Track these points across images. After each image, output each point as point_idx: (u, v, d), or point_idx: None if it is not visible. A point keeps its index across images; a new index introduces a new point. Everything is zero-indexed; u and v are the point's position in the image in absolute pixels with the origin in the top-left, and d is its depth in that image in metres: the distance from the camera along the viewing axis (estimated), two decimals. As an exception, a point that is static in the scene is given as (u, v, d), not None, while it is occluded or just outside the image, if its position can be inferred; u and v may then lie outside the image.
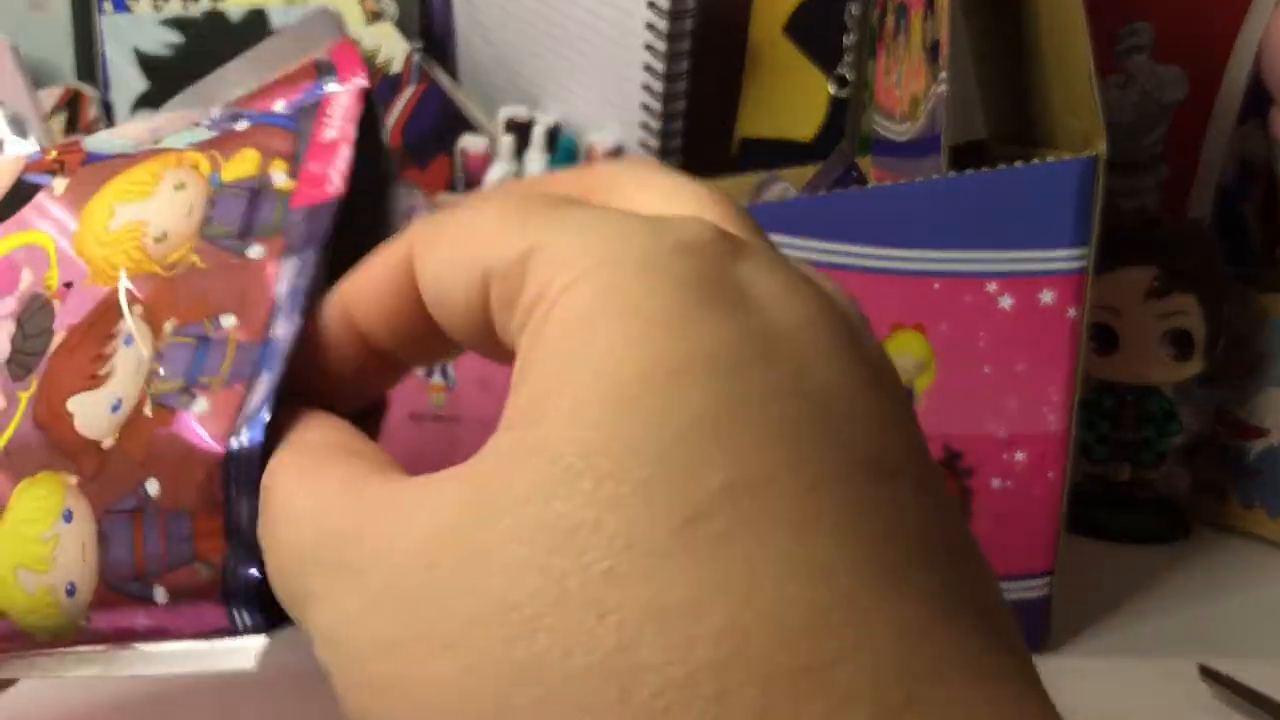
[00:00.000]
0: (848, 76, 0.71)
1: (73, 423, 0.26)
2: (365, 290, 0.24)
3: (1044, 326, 0.48)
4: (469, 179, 0.71)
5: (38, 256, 0.29)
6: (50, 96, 0.70)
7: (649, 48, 0.66)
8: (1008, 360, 0.48)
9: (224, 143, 0.30)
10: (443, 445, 0.50)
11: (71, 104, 0.71)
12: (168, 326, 0.26)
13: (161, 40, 0.70)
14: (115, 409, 0.26)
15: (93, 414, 0.26)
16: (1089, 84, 0.47)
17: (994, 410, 0.49)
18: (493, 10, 0.71)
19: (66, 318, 0.28)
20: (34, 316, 0.28)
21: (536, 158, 0.69)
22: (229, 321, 0.26)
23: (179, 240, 0.28)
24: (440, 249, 0.23)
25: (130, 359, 0.26)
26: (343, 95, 0.32)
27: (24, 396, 0.27)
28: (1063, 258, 0.47)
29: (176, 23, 0.70)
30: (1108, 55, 0.69)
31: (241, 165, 0.29)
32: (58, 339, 0.28)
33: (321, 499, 0.21)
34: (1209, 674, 0.48)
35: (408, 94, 0.71)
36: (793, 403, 0.18)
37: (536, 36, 0.70)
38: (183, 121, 0.32)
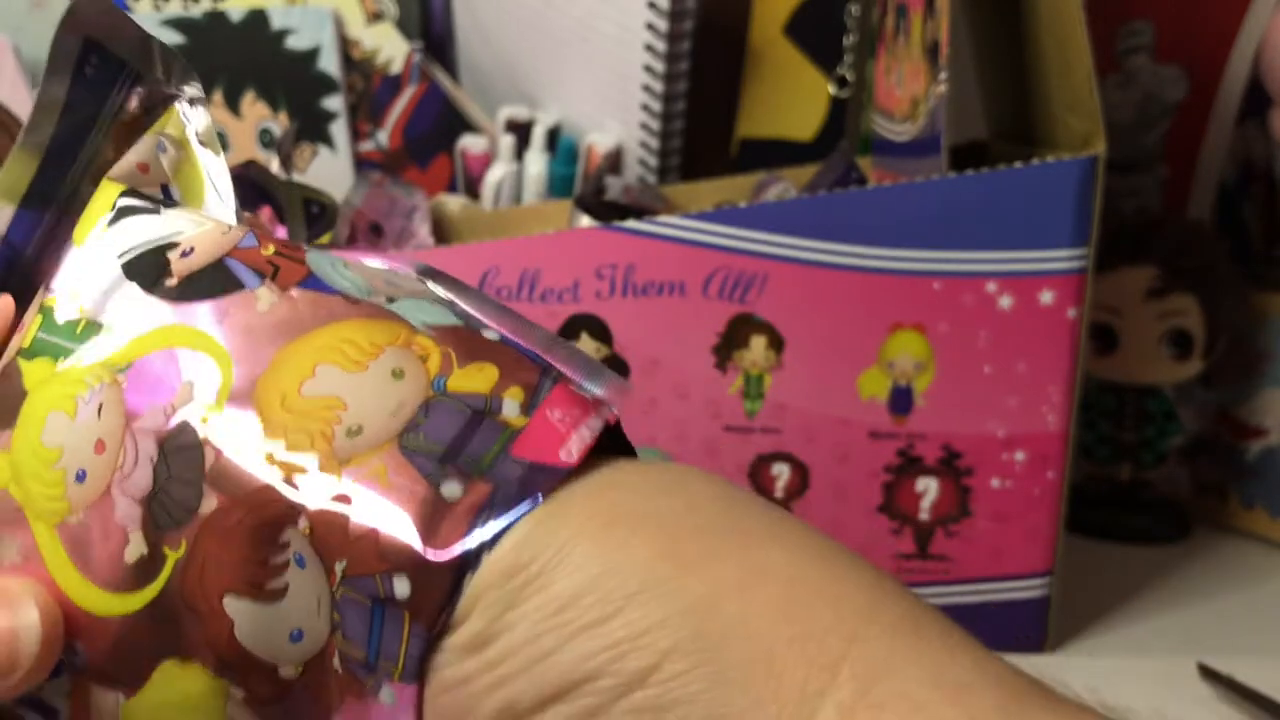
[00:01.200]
0: (848, 77, 0.71)
1: (233, 629, 0.22)
2: None
3: (1044, 326, 0.48)
4: (469, 179, 0.71)
5: (205, 372, 0.24)
6: (51, 97, 0.70)
7: (649, 48, 0.66)
8: (1007, 360, 0.48)
9: (465, 341, 0.24)
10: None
11: (72, 104, 0.71)
12: (338, 567, 0.22)
13: (162, 40, 0.70)
14: (296, 639, 0.22)
15: (263, 632, 0.22)
16: (1089, 84, 0.47)
17: (994, 410, 0.49)
18: (493, 11, 0.71)
19: (222, 482, 0.23)
20: (182, 454, 0.23)
21: (536, 158, 0.69)
22: (403, 590, 0.22)
23: (374, 440, 0.23)
24: None
25: (308, 587, 0.22)
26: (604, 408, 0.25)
27: (171, 556, 0.23)
28: (1062, 258, 0.47)
29: (177, 23, 0.70)
30: (1108, 55, 0.69)
31: (475, 378, 0.24)
32: (210, 502, 0.23)
33: None
34: (1208, 673, 0.48)
35: (408, 94, 0.71)
36: None
37: (536, 37, 0.70)
38: (422, 287, 0.26)
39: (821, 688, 0.19)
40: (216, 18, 0.70)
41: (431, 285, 0.26)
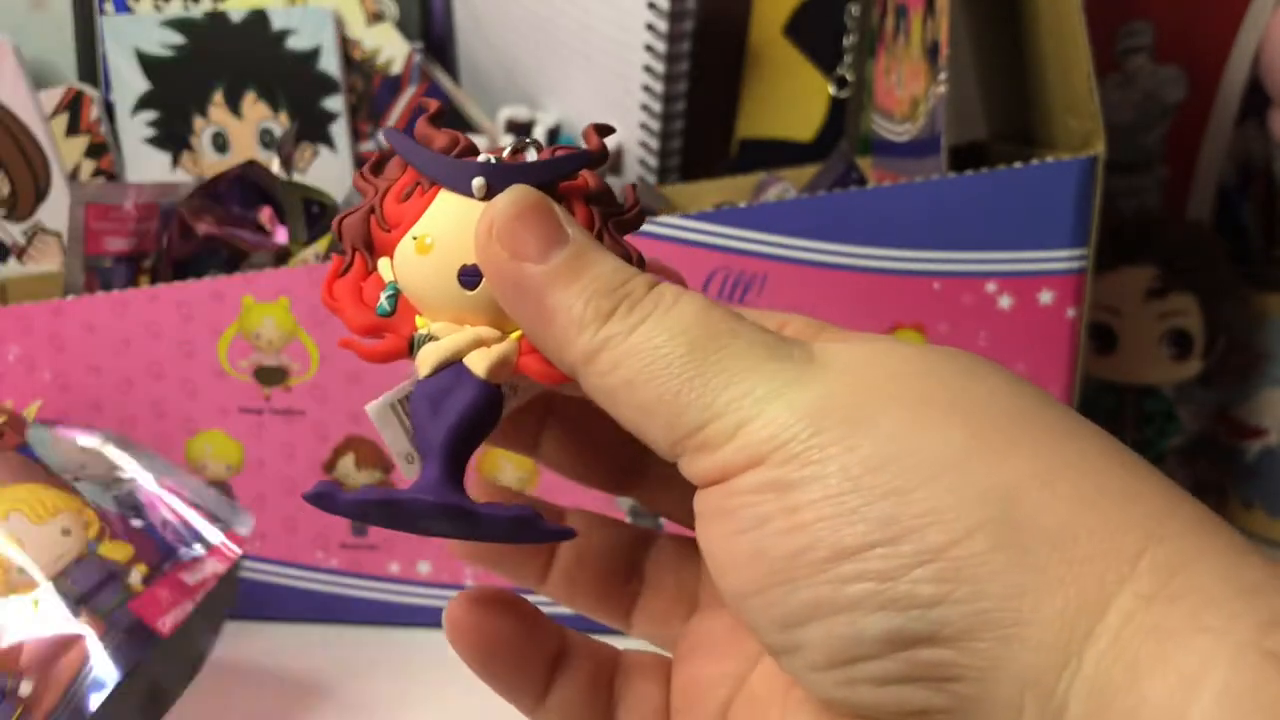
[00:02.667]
0: (847, 77, 0.71)
1: None
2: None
3: (1043, 326, 0.48)
4: (469, 179, 0.71)
5: None
6: (52, 97, 0.70)
7: (649, 48, 0.66)
8: (1007, 360, 0.48)
9: (118, 522, 0.37)
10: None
11: (73, 104, 0.71)
12: None
13: (163, 41, 0.70)
14: None
15: None
16: (1088, 84, 0.47)
17: (994, 410, 0.49)
18: (493, 11, 0.71)
19: None
20: None
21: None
22: (26, 689, 0.31)
23: (35, 577, 0.34)
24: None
25: None
26: (215, 561, 0.40)
27: None
28: (1062, 258, 0.47)
29: (178, 23, 0.70)
30: (1107, 55, 0.69)
31: (117, 550, 0.36)
32: None
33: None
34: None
35: (408, 95, 0.71)
36: None
37: (537, 37, 0.70)
38: (109, 471, 0.39)
39: (1121, 577, 0.20)
40: (217, 18, 0.70)
41: (120, 462, 0.40)
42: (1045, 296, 0.48)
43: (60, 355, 0.50)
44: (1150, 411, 0.66)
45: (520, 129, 0.70)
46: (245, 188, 0.58)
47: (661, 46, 0.65)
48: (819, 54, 0.71)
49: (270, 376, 0.51)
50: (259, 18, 0.69)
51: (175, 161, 0.72)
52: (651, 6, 0.65)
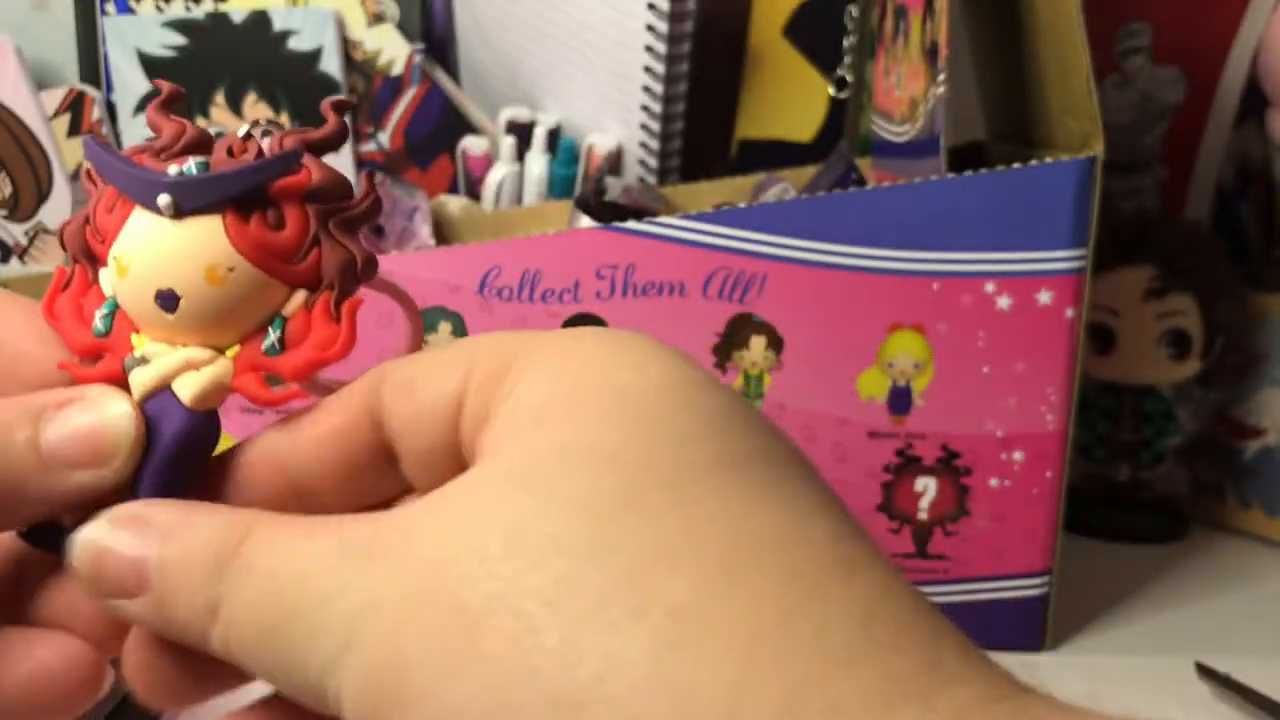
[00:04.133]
0: (847, 78, 0.71)
1: None
2: (313, 435, 0.24)
3: (1042, 327, 0.48)
4: (470, 180, 0.71)
5: None
6: (54, 98, 0.70)
7: (649, 49, 0.66)
8: (1006, 360, 0.49)
9: None
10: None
11: (75, 105, 0.71)
12: None
13: (164, 42, 0.70)
14: None
15: None
16: (1087, 85, 0.48)
17: (992, 410, 0.49)
18: (493, 12, 0.71)
19: None
20: None
21: (537, 159, 0.69)
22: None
23: None
24: (420, 363, 0.23)
25: None
26: None
27: None
28: (1061, 258, 0.47)
29: (179, 24, 0.70)
30: (1106, 56, 0.69)
31: None
32: None
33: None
34: (1206, 672, 0.49)
35: (409, 95, 0.71)
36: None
37: (537, 38, 0.70)
38: None
39: None
40: (218, 19, 0.70)
41: None
42: (1044, 297, 0.48)
43: (62, 355, 0.50)
44: (1149, 411, 0.66)
45: (521, 129, 0.70)
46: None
47: (661, 47, 0.66)
48: (819, 55, 0.71)
49: (271, 376, 0.51)
50: (260, 19, 0.69)
51: (176, 162, 0.72)
52: (651, 7, 0.65)
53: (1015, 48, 0.56)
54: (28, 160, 0.70)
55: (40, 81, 0.70)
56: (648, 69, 0.66)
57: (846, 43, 0.71)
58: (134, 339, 0.24)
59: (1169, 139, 0.69)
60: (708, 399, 0.21)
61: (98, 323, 0.24)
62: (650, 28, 0.65)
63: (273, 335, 0.24)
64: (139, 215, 0.23)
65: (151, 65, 0.71)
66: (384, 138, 0.72)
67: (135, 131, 0.71)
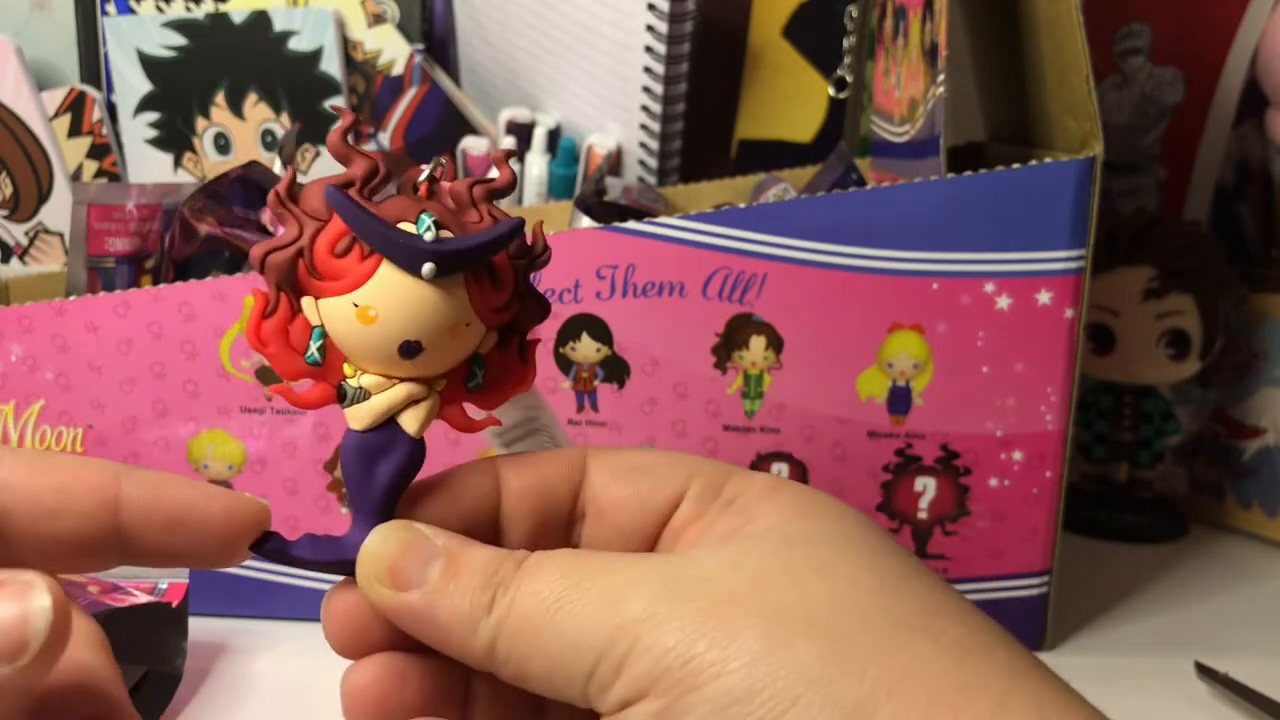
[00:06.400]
0: (846, 78, 0.71)
1: None
2: (517, 489, 0.29)
3: (1042, 327, 0.48)
4: (470, 180, 0.71)
5: None
6: (55, 98, 0.71)
7: (649, 49, 0.66)
8: (1005, 360, 0.49)
9: None
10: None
11: (76, 105, 0.71)
12: None
13: (165, 42, 0.70)
14: None
15: None
16: (1086, 86, 0.48)
17: (992, 410, 0.49)
18: (493, 12, 0.71)
19: None
20: None
21: (537, 159, 0.69)
22: None
23: None
24: (639, 456, 0.29)
25: None
26: None
27: None
28: (1060, 258, 0.47)
29: (180, 25, 0.70)
30: (1105, 57, 0.69)
31: None
32: None
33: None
34: (1206, 671, 0.49)
35: (409, 96, 0.71)
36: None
37: (537, 38, 0.70)
38: None
39: None
40: (219, 19, 0.70)
41: None
42: (1043, 297, 0.48)
43: (63, 355, 0.50)
44: (1148, 411, 0.66)
45: (521, 130, 0.70)
46: (247, 188, 0.58)
47: (661, 47, 0.66)
48: (818, 55, 0.71)
49: (272, 376, 0.51)
50: (261, 19, 0.70)
51: (177, 162, 0.72)
52: (651, 7, 0.65)
53: (1015, 48, 0.56)
54: (28, 160, 0.70)
55: (41, 82, 0.71)
56: (648, 69, 0.67)
57: (846, 43, 0.71)
58: (345, 368, 0.27)
59: (1168, 139, 0.69)
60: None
61: (314, 353, 0.27)
62: (650, 28, 0.65)
63: (478, 374, 0.28)
64: (391, 272, 0.26)
65: (152, 65, 0.71)
66: (384, 138, 0.72)
67: (136, 132, 0.72)
